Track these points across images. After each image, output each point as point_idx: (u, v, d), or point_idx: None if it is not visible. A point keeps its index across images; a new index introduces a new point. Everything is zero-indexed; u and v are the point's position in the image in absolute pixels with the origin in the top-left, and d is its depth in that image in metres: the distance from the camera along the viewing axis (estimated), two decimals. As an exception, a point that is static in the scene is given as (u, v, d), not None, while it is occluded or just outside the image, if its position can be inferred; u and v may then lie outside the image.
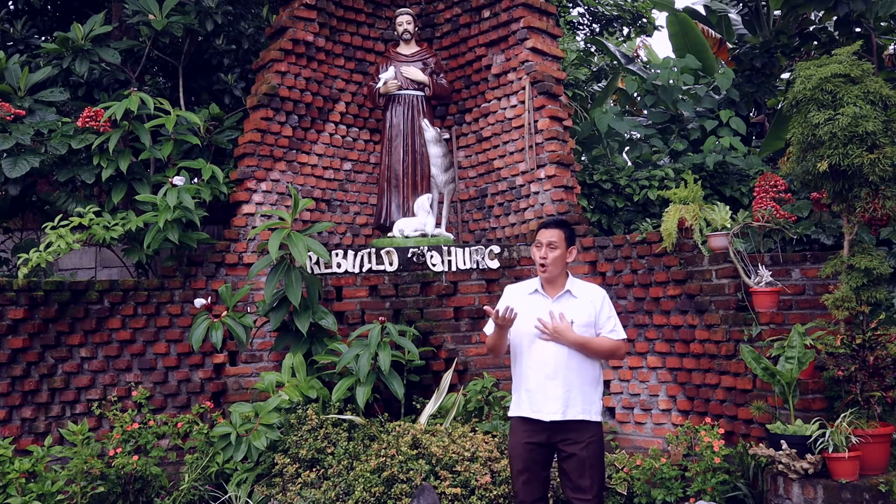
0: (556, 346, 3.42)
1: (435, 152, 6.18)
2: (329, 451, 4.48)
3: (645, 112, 8.76)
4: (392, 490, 4.12)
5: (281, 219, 5.35)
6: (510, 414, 3.58)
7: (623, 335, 3.53)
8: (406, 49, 6.43)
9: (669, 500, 4.34)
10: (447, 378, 5.24)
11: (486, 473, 4.17)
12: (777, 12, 9.08)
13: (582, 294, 3.52)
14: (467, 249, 5.72)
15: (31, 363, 5.03)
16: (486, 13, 6.41)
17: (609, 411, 5.46)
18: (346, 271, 5.68)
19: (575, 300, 3.49)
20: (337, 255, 5.69)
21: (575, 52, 10.73)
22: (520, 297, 3.54)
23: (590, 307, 3.48)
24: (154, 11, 6.01)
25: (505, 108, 6.34)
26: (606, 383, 5.45)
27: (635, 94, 8.36)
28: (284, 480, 4.44)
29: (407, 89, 6.31)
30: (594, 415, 3.45)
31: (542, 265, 3.46)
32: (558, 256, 3.46)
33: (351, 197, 6.58)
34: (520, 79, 6.18)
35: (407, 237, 5.90)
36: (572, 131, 6.49)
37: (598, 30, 11.63)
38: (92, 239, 5.23)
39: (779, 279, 4.74)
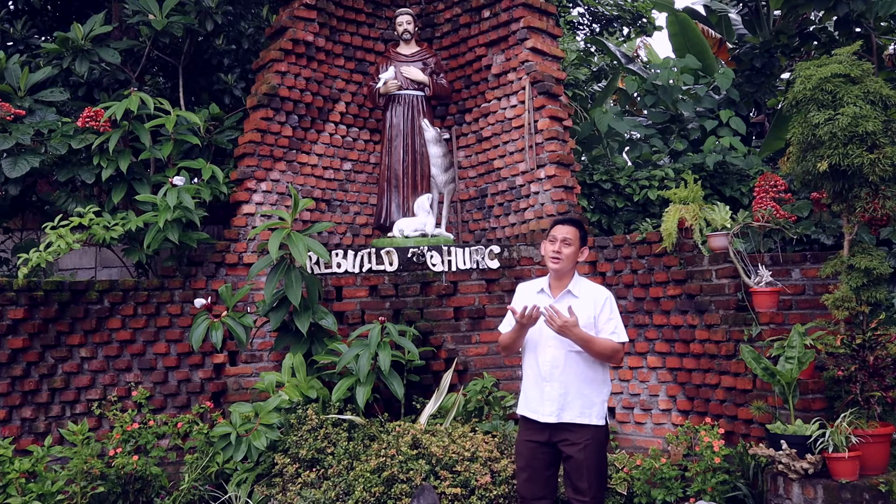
0: (555, 349, 3.44)
1: (435, 152, 6.18)
2: (329, 451, 4.48)
3: (645, 112, 8.76)
4: (392, 490, 4.12)
5: (281, 219, 5.35)
6: (517, 411, 3.67)
7: (623, 338, 3.49)
8: (406, 49, 6.43)
9: (669, 500, 4.34)
10: (447, 378, 5.24)
11: (486, 473, 4.17)
12: (777, 12, 9.08)
13: (584, 294, 3.53)
14: (467, 249, 5.72)
15: (31, 363, 5.03)
16: (486, 13, 6.41)
17: (609, 411, 5.40)
18: (346, 271, 5.68)
19: (576, 300, 3.50)
20: (337, 255, 5.69)
21: (575, 52, 10.73)
22: (529, 296, 3.59)
23: (590, 308, 3.48)
24: (154, 11, 6.01)
25: (505, 108, 6.34)
26: (606, 383, 5.45)
27: (635, 94, 8.36)
28: (284, 480, 4.43)
29: (407, 89, 6.31)
30: (594, 418, 3.44)
31: (556, 258, 3.47)
32: (571, 253, 3.50)
33: (351, 197, 6.58)
34: (520, 79, 6.18)
35: (407, 237, 5.89)
36: (572, 131, 6.49)
37: (598, 30, 11.63)
38: (92, 239, 5.23)
39: (779, 279, 4.74)
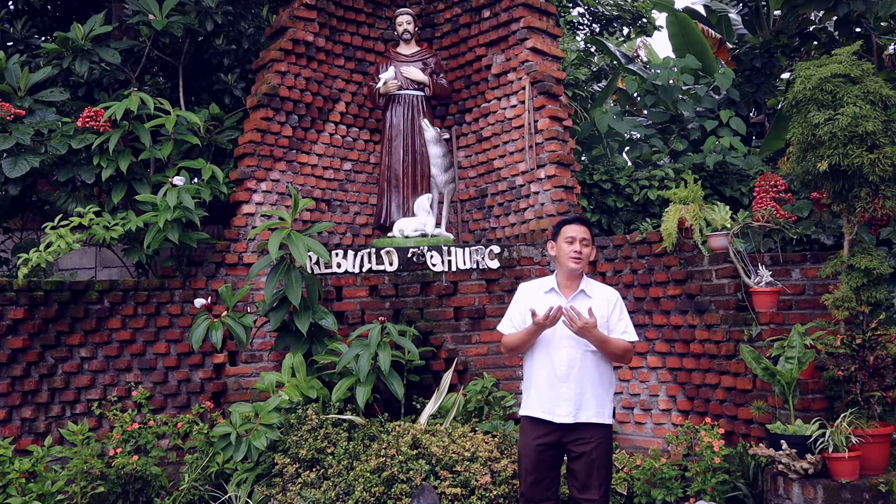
0: (570, 349, 3.44)
1: (435, 152, 6.18)
2: (329, 451, 4.48)
3: (645, 112, 8.76)
4: (392, 490, 4.12)
5: (281, 219, 5.35)
6: (521, 413, 3.61)
7: (633, 337, 3.54)
8: (406, 49, 6.43)
9: (669, 500, 4.34)
10: (447, 378, 5.24)
11: (486, 473, 4.17)
12: (777, 12, 9.08)
13: (596, 294, 3.55)
14: (467, 249, 5.72)
15: (31, 363, 5.03)
16: (486, 13, 6.41)
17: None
18: (346, 271, 5.68)
19: (589, 300, 3.51)
20: (337, 255, 5.69)
21: (575, 52, 10.74)
22: (535, 296, 3.57)
23: (604, 308, 3.50)
24: (154, 11, 6.01)
25: (505, 108, 6.34)
26: (606, 383, 5.45)
27: (635, 94, 8.35)
28: (284, 480, 4.43)
29: (407, 89, 6.31)
30: (606, 418, 3.48)
31: (578, 258, 3.50)
32: (589, 253, 3.56)
33: (351, 197, 6.58)
34: (520, 79, 6.18)
35: (407, 237, 5.90)
36: (572, 131, 6.49)
37: (598, 30, 11.63)
38: (92, 239, 5.23)
39: (779, 279, 4.74)
